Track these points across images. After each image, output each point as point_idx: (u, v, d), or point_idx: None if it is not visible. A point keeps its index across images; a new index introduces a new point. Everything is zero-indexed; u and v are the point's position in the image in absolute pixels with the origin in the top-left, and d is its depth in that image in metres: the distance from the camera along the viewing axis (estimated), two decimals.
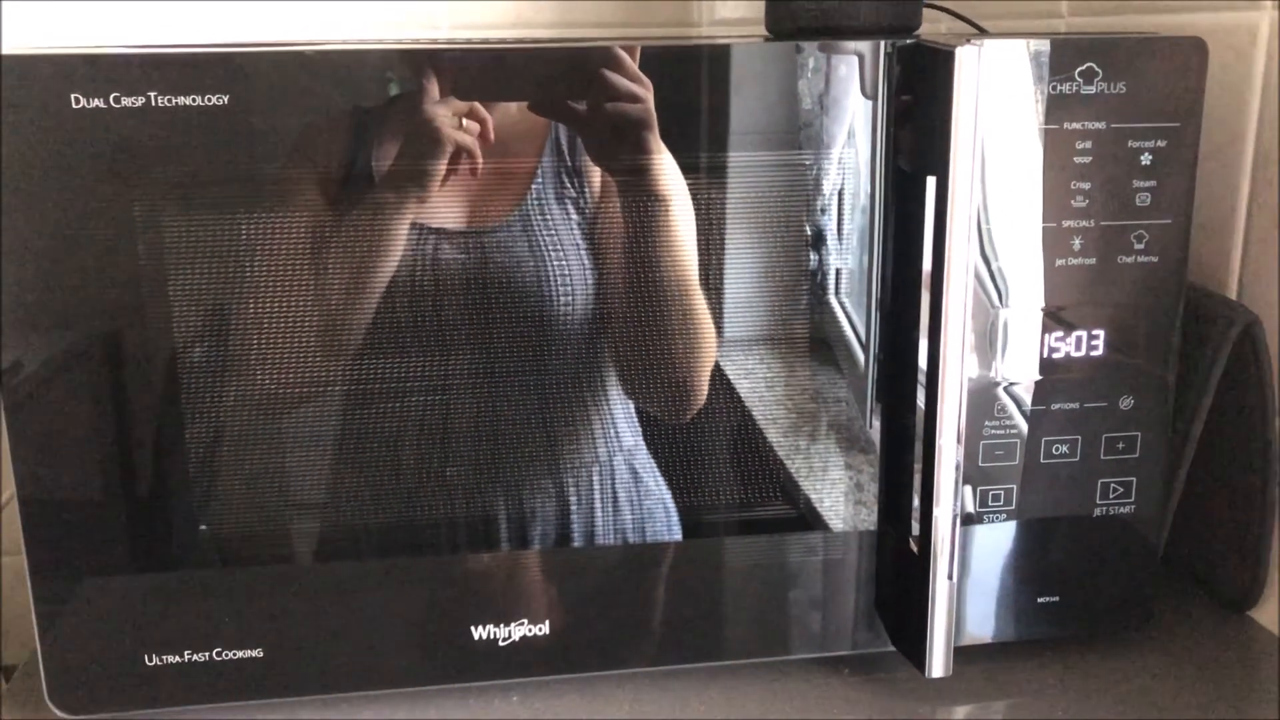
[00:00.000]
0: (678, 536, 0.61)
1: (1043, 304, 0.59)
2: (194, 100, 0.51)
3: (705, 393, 0.59)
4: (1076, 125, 0.56)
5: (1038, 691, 0.62)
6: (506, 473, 0.59)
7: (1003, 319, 0.58)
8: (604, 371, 0.59)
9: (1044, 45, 0.56)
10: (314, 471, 0.57)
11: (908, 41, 0.56)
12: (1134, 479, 0.61)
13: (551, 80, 0.55)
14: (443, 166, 0.54)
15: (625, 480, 0.60)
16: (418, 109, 0.53)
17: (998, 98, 0.56)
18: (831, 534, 0.61)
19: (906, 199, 0.57)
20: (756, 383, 0.60)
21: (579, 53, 0.55)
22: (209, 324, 0.55)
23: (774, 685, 0.62)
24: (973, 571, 0.61)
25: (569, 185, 0.56)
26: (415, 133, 0.54)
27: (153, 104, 0.51)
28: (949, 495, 0.56)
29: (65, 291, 0.53)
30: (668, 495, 0.60)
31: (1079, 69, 0.56)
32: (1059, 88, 0.56)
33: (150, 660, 0.57)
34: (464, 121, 0.54)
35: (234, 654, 0.57)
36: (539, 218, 0.56)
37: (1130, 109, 0.57)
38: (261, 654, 0.58)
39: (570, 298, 0.57)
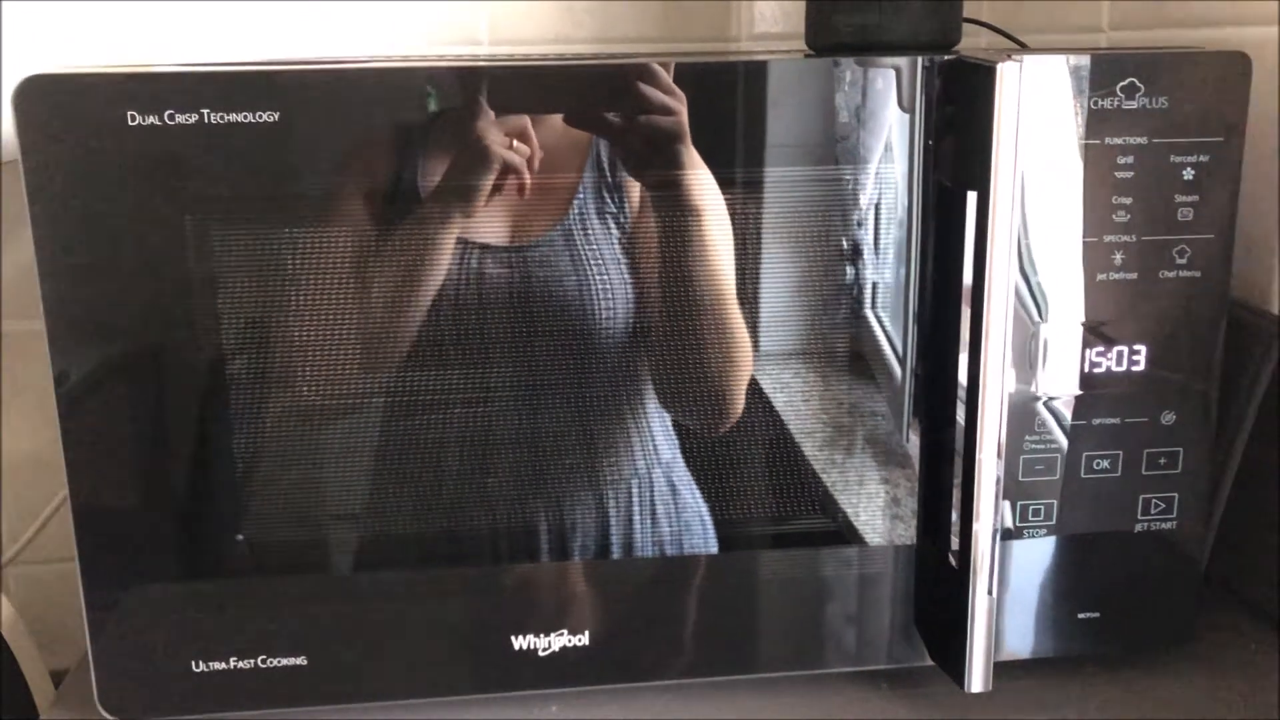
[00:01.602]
0: (714, 550, 0.61)
1: (1083, 319, 0.58)
2: (245, 117, 0.52)
3: (741, 406, 0.59)
4: (1118, 140, 0.56)
5: (1077, 709, 0.61)
6: (546, 484, 0.59)
7: (1042, 334, 0.58)
8: (643, 385, 0.59)
9: (1085, 60, 0.56)
10: (357, 482, 0.58)
11: (949, 57, 0.56)
12: (1176, 495, 0.61)
13: (588, 93, 0.56)
14: (489, 184, 0.55)
15: (663, 493, 0.60)
16: (468, 127, 0.54)
17: (1038, 113, 0.56)
18: (868, 548, 0.61)
19: (946, 214, 0.57)
20: (793, 396, 0.60)
21: (615, 67, 0.56)
22: (257, 336, 0.56)
23: (811, 698, 0.62)
24: (1012, 587, 0.61)
25: (609, 201, 0.57)
26: (465, 150, 0.55)
27: (206, 121, 0.52)
28: (989, 510, 0.56)
29: (118, 303, 0.54)
30: (705, 509, 0.61)
31: (1120, 84, 0.56)
32: (1100, 103, 0.56)
33: (198, 666, 0.58)
34: (514, 142, 0.55)
35: (278, 661, 0.58)
36: (580, 233, 0.57)
37: (1173, 124, 0.56)
38: (305, 661, 0.58)
39: (611, 312, 0.58)
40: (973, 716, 0.61)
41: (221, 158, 0.53)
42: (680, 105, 0.55)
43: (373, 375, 0.57)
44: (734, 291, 0.58)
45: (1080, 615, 0.62)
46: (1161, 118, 0.56)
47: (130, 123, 0.52)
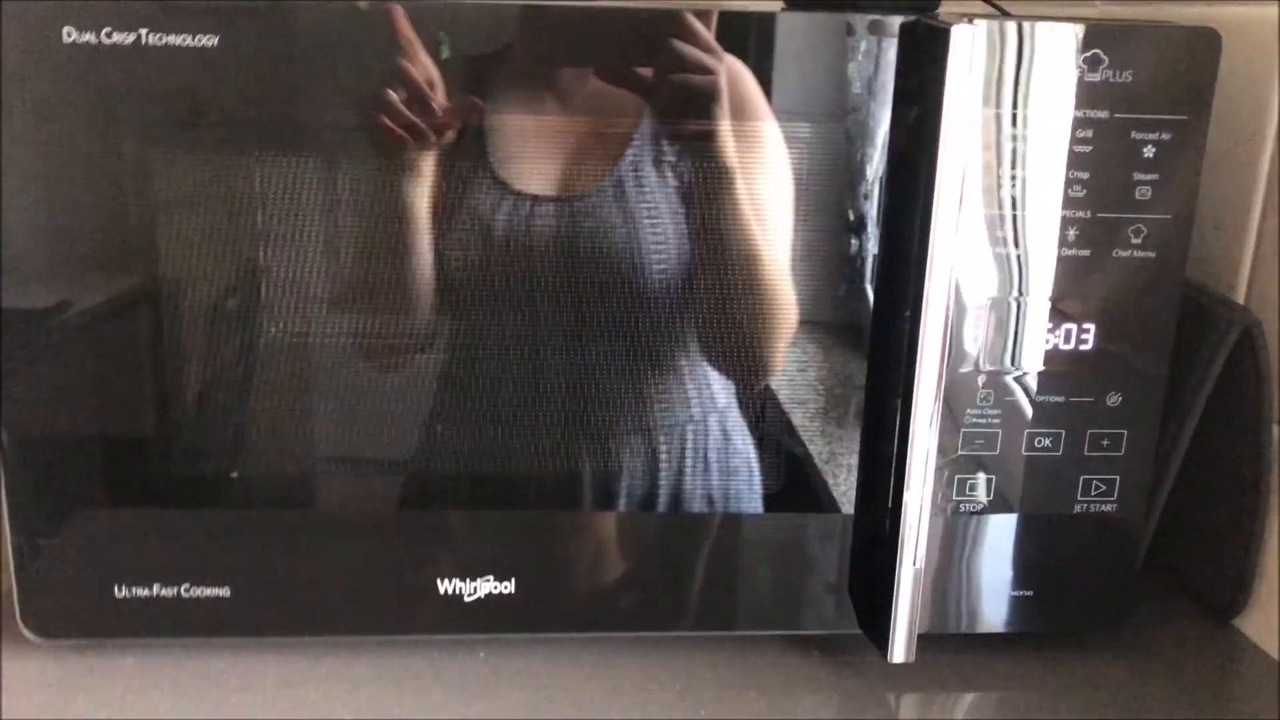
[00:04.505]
0: (758, 500, 0.61)
1: (1035, 295, 0.57)
2: (184, 40, 0.51)
3: (778, 364, 0.59)
4: (1078, 113, 0.55)
5: (1003, 683, 0.61)
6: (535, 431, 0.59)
7: (990, 308, 0.57)
8: (690, 334, 0.59)
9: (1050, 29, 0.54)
10: (288, 420, 0.58)
11: (909, 19, 0.55)
12: (1117, 477, 0.60)
13: (619, 46, 0.54)
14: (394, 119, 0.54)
15: (717, 440, 0.60)
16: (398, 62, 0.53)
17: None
18: (839, 515, 0.61)
19: (899, 181, 0.56)
20: (788, 365, 0.60)
21: (648, 17, 0.54)
22: (194, 264, 0.55)
23: (738, 659, 0.62)
24: (947, 561, 0.60)
25: (667, 149, 0.56)
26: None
27: (142, 41, 0.51)
28: (919, 480, 0.55)
29: (52, 231, 0.54)
30: (754, 455, 0.60)
31: (1084, 55, 0.54)
32: None
33: (119, 591, 0.58)
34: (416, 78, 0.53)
35: (201, 591, 0.58)
36: (633, 183, 0.56)
37: (1135, 99, 0.55)
38: (228, 593, 0.58)
39: (664, 263, 0.57)
40: (898, 687, 0.61)
41: (158, 81, 0.52)
42: (718, 64, 0.54)
43: (327, 308, 0.56)
44: (771, 251, 0.57)
45: (1014, 593, 0.61)
46: (1124, 92, 0.55)
47: (66, 40, 0.51)
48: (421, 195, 0.55)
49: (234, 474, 0.58)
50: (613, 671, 0.61)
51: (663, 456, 0.60)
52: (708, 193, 0.56)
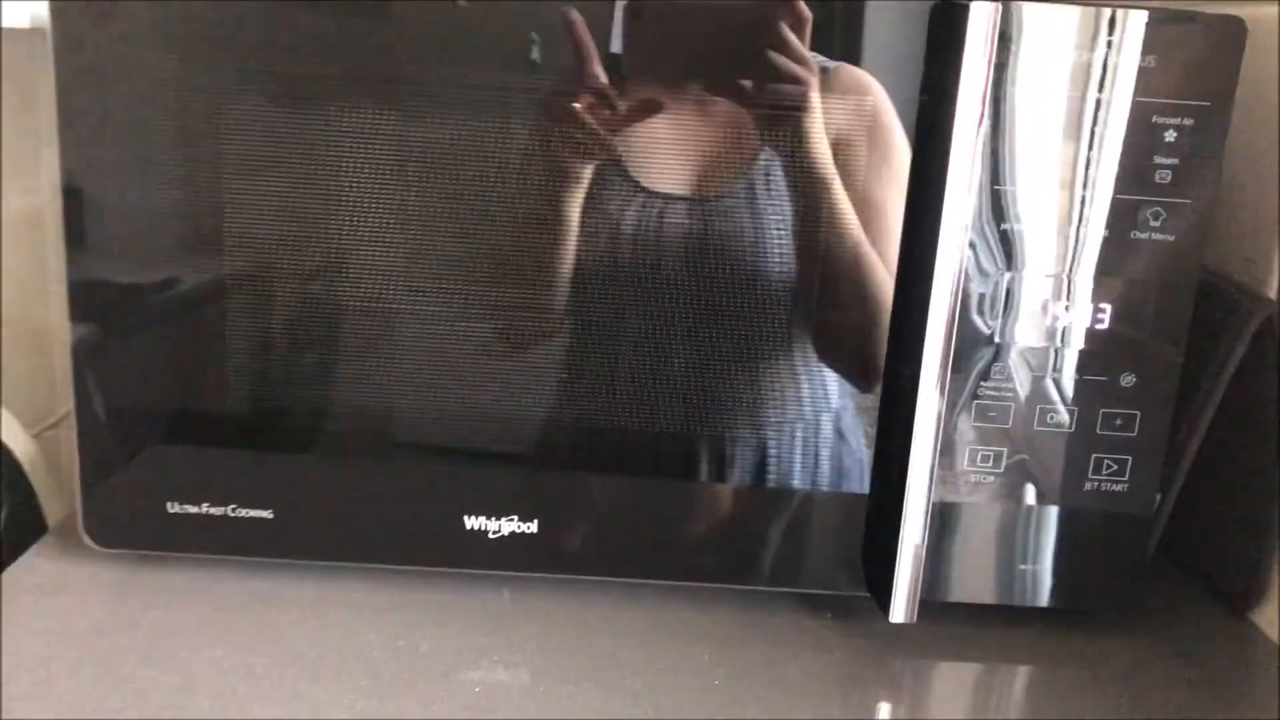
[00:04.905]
0: (865, 488, 0.63)
1: (1052, 271, 0.59)
2: None
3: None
4: (1100, 95, 0.56)
5: (1003, 653, 0.63)
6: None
7: (1007, 282, 0.59)
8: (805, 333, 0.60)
9: (1073, 11, 0.56)
10: (358, 383, 0.61)
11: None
12: (1130, 458, 0.61)
13: (723, 49, 0.56)
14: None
15: (828, 437, 0.62)
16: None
17: (1023, 61, 0.56)
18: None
19: (920, 157, 0.58)
20: None
21: (743, 14, 0.56)
22: (260, 215, 0.59)
23: (753, 615, 0.64)
24: (956, 531, 0.62)
25: (791, 154, 0.57)
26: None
27: None
28: (926, 443, 0.57)
29: (136, 176, 0.58)
30: (865, 453, 0.62)
31: (1108, 38, 0.56)
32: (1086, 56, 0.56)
33: (172, 507, 0.62)
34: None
35: (246, 512, 0.62)
36: (764, 186, 0.57)
37: (1158, 84, 0.56)
38: (271, 515, 0.62)
39: (786, 264, 0.58)
40: (897, 651, 0.62)
41: (233, 31, 0.56)
42: (810, 75, 0.55)
43: (402, 274, 0.59)
44: (870, 251, 0.58)
45: (1021, 566, 0.63)
46: (1147, 76, 0.56)
47: None
48: (553, 190, 0.57)
49: (283, 411, 0.62)
50: (625, 616, 0.63)
51: (771, 452, 0.62)
52: (818, 195, 0.57)
